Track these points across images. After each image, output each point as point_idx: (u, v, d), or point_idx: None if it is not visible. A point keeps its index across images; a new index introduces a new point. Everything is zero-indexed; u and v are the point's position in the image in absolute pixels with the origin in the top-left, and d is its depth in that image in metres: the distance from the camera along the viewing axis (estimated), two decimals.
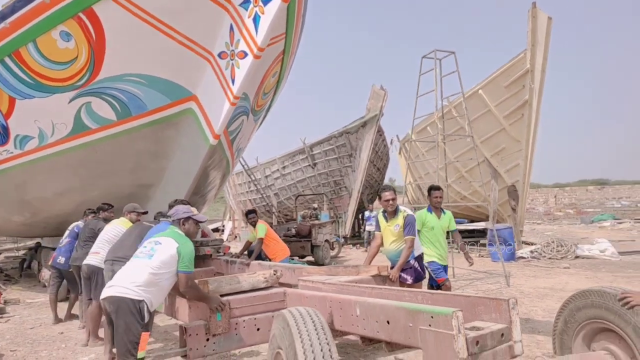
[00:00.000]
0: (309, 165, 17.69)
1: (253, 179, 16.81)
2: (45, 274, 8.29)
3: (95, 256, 5.25)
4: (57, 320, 6.32)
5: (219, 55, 5.57)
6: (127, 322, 2.97)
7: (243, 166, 15.27)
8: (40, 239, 10.47)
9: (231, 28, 5.33)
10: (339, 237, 14.14)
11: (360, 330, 3.04)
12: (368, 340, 3.19)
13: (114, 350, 3.68)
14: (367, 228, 16.37)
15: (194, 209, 3.79)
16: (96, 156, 6.80)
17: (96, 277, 5.15)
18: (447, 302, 2.77)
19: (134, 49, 5.72)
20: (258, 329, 3.58)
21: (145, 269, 3.11)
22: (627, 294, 2.70)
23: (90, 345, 5.06)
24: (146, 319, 3.07)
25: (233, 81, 5.40)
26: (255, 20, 4.93)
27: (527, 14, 11.15)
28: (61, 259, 6.41)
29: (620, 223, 22.03)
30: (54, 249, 8.84)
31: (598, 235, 16.04)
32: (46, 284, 8.25)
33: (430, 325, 2.46)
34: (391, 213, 4.75)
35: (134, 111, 6.27)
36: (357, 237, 19.56)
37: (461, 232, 10.96)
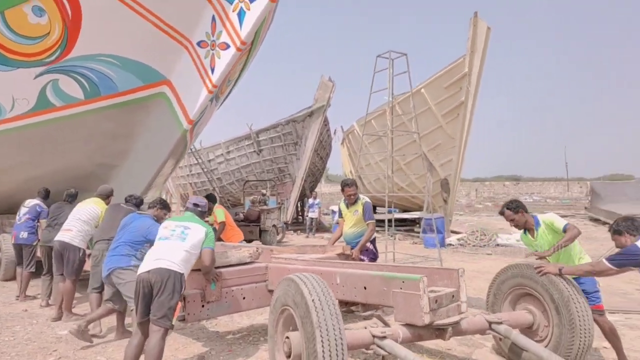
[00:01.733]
0: (254, 151, 17.92)
1: (200, 162, 16.76)
2: None
3: (68, 233, 5.36)
4: (22, 296, 6.31)
5: (198, 44, 5.80)
6: (173, 290, 3.36)
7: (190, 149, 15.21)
8: None
9: (213, 19, 5.58)
10: (283, 223, 14.62)
11: (340, 295, 3.75)
12: (344, 304, 3.92)
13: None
14: (310, 215, 17.03)
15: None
16: (58, 134, 6.73)
17: (67, 253, 5.29)
18: (411, 272, 3.48)
19: (111, 29, 5.78)
20: (244, 298, 4.17)
21: (181, 249, 3.54)
22: (541, 265, 3.62)
23: (64, 320, 5.17)
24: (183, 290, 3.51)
25: (212, 70, 5.67)
26: (240, 15, 5.24)
27: (469, 21, 12.21)
28: (24, 234, 6.46)
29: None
30: None
31: (509, 227, 17.89)
32: None
33: (401, 289, 3.22)
34: (352, 202, 5.37)
35: (104, 91, 6.31)
36: (297, 223, 20.15)
37: (396, 220, 11.91)
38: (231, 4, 5.35)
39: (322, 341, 2.66)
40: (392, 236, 12.62)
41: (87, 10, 5.61)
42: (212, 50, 5.66)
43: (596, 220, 20.54)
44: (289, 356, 2.95)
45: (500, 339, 3.82)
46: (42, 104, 6.41)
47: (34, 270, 6.48)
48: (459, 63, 12.70)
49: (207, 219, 5.16)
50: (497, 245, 12.11)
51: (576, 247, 4.03)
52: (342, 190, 5.46)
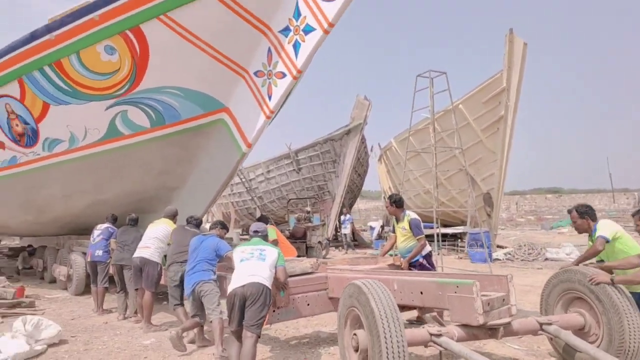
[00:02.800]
0: (294, 170, 18.32)
1: (244, 181, 17.32)
2: (62, 269, 8.78)
3: (147, 250, 5.91)
4: (99, 310, 6.85)
5: (255, 73, 6.21)
6: (264, 303, 3.89)
7: None
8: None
9: (269, 51, 5.98)
10: (326, 239, 14.88)
11: (398, 300, 3.99)
12: (401, 308, 4.10)
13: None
14: (343, 231, 17.16)
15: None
16: (125, 160, 7.28)
17: (147, 268, 5.82)
18: (463, 279, 3.80)
19: (175, 64, 6.28)
20: (308, 304, 4.66)
21: (265, 267, 4.09)
22: (594, 275, 3.85)
23: (144, 330, 5.61)
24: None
25: (270, 97, 6.06)
26: (296, 46, 5.61)
27: (505, 38, 12.32)
28: (99, 252, 7.06)
29: None
30: (57, 250, 9.31)
31: (558, 240, 17.47)
32: (62, 278, 8.70)
33: (456, 292, 3.54)
34: (398, 217, 5.59)
35: (168, 120, 6.82)
36: (335, 240, 20.31)
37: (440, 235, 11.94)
38: (286, 36, 5.74)
39: (385, 338, 3.02)
40: (438, 252, 12.65)
41: (154, 47, 6.12)
42: (269, 79, 6.05)
43: None
44: (357, 350, 3.36)
45: (552, 339, 4.03)
46: (112, 133, 6.99)
47: (107, 285, 7.03)
48: (497, 78, 12.78)
49: None
50: (546, 259, 11.91)
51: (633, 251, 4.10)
52: None
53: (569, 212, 4.60)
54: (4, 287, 7.75)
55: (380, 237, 21.27)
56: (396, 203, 5.66)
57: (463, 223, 15.90)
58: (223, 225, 5.28)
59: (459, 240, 16.36)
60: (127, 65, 6.29)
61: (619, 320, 3.60)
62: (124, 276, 6.47)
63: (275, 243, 7.30)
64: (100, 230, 7.25)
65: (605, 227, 4.25)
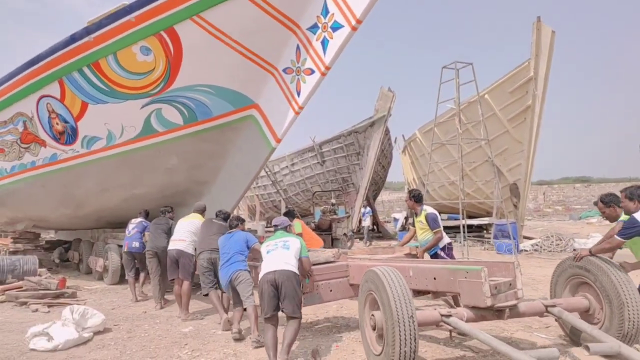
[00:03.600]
0: (318, 162, 18.48)
1: (269, 174, 17.58)
2: (98, 261, 9.24)
3: (182, 243, 6.28)
4: (136, 299, 7.27)
5: (284, 70, 6.37)
6: (296, 287, 4.23)
7: None
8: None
9: (298, 48, 6.12)
10: (351, 231, 15.01)
11: (413, 285, 4.42)
12: (416, 292, 4.62)
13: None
14: (363, 223, 17.27)
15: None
16: (159, 155, 7.55)
17: (183, 259, 6.19)
18: (473, 265, 4.08)
19: (207, 63, 6.48)
20: (331, 290, 5.05)
21: (291, 255, 4.43)
22: (577, 253, 4.33)
23: (183, 319, 5.91)
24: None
25: (299, 93, 6.21)
26: (324, 43, 5.73)
27: (532, 26, 12.12)
28: (135, 244, 7.47)
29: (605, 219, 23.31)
30: (92, 244, 9.78)
31: (587, 230, 17.19)
32: (99, 269, 9.19)
33: (466, 277, 3.88)
34: (416, 212, 5.90)
35: (200, 117, 7.05)
36: (359, 232, 20.43)
37: (463, 226, 11.95)
38: (314, 33, 5.85)
39: (397, 317, 3.37)
40: (463, 244, 12.65)
41: (187, 47, 6.33)
42: (298, 75, 6.20)
43: None
44: (374, 329, 3.72)
45: (556, 320, 4.33)
46: (147, 130, 7.26)
47: (145, 274, 7.39)
48: (524, 67, 12.61)
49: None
50: (574, 250, 11.78)
51: None
52: None
53: (595, 204, 4.71)
54: (46, 278, 8.19)
55: (404, 228, 21.27)
56: (415, 198, 5.93)
57: (489, 214, 15.82)
58: (241, 221, 5.67)
59: (485, 231, 16.29)
60: (161, 65, 6.53)
61: (619, 306, 3.85)
62: (154, 263, 6.84)
63: (300, 236, 7.65)
64: (134, 224, 7.69)
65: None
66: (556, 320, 4.34)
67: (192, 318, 5.95)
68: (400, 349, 3.31)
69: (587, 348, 3.50)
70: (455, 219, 17.90)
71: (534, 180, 18.54)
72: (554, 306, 4.01)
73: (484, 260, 5.04)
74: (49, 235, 14.75)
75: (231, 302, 5.30)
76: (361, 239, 17.82)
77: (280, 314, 4.24)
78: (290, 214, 8.02)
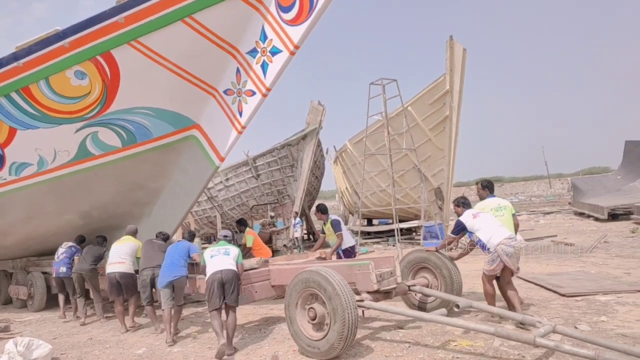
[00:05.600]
0: (253, 176, 18.64)
1: (205, 190, 17.39)
2: (21, 289, 9.23)
3: (122, 265, 6.75)
4: (63, 316, 7.90)
5: (225, 91, 6.59)
6: (237, 284, 5.27)
7: None
8: None
9: (238, 71, 6.38)
10: (290, 242, 15.32)
11: None
12: None
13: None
14: (295, 234, 17.71)
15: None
16: (96, 179, 7.42)
17: (125, 280, 6.69)
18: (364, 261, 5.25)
19: (146, 85, 6.53)
20: (256, 292, 5.88)
21: (231, 259, 5.43)
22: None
23: (129, 326, 6.61)
24: None
25: (240, 113, 6.46)
26: (264, 66, 6.05)
27: (446, 44, 13.30)
28: (62, 269, 7.85)
29: (519, 215, 25.63)
30: (11, 274, 9.71)
31: None
32: (23, 297, 9.15)
33: (359, 270, 5.04)
34: (325, 221, 7.34)
35: (140, 139, 7.06)
36: (310, 240, 20.68)
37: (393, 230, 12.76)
38: (254, 57, 6.15)
39: (345, 304, 4.29)
40: (394, 246, 13.43)
41: (125, 71, 6.35)
42: (239, 97, 6.46)
43: (581, 214, 21.70)
44: (314, 319, 4.52)
45: (406, 295, 5.84)
46: (82, 154, 7.13)
47: (79, 295, 7.69)
48: (440, 81, 13.75)
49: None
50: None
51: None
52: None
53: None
54: None
55: None
56: (321, 211, 7.44)
57: (417, 217, 16.86)
58: (192, 235, 7.08)
59: (415, 233, 17.33)
60: (97, 89, 6.48)
61: (448, 273, 5.71)
62: (83, 283, 7.59)
63: (249, 249, 8.12)
64: (64, 248, 7.98)
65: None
66: (404, 296, 5.93)
67: (142, 336, 5.98)
68: (350, 327, 4.24)
69: (457, 306, 4.82)
70: (387, 224, 18.87)
71: (455, 183, 20.02)
72: (414, 285, 5.58)
73: (373, 257, 7.02)
74: None
75: (160, 299, 6.06)
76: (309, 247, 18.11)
77: None
78: (242, 222, 9.00)
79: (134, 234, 7.34)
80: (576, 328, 4.83)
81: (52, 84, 6.47)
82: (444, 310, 4.88)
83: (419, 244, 14.82)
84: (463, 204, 5.98)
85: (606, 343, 3.80)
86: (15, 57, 6.36)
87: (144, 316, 7.30)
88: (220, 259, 5.37)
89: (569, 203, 26.58)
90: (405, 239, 16.35)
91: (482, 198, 6.09)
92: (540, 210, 27.77)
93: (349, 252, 7.20)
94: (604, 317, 5.23)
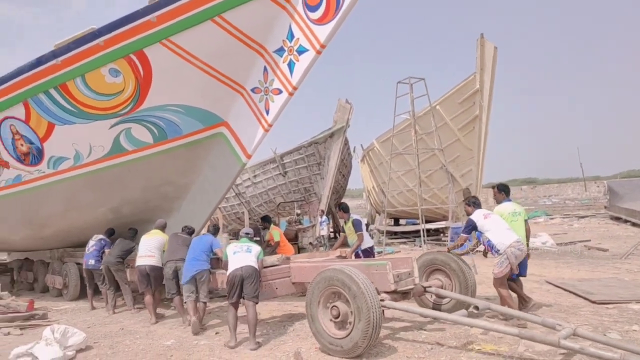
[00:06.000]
0: (280, 173, 18.78)
1: (233, 186, 17.69)
2: (57, 279, 9.66)
3: (152, 258, 6.99)
4: (92, 308, 8.22)
5: (253, 90, 6.70)
6: (256, 280, 5.41)
7: None
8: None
9: (265, 69, 6.47)
10: (316, 239, 15.40)
11: None
12: None
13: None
14: (320, 232, 17.73)
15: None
16: (128, 174, 7.66)
17: (154, 273, 6.92)
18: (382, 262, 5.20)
19: (177, 83, 6.71)
20: (277, 288, 6.01)
21: (252, 257, 5.56)
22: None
23: (153, 322, 6.77)
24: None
25: (267, 111, 6.55)
26: (290, 65, 6.11)
27: (476, 42, 13.07)
28: (91, 261, 8.16)
29: (552, 219, 24.93)
30: (48, 264, 10.11)
31: (534, 230, 18.36)
32: (58, 286, 9.59)
33: (376, 270, 4.96)
34: (346, 220, 7.40)
35: (170, 135, 7.25)
36: (335, 239, 20.69)
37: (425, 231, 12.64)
38: (281, 56, 6.23)
39: (370, 304, 4.30)
40: (420, 246, 13.30)
41: (157, 69, 6.54)
42: (266, 95, 6.55)
43: (617, 218, 20.91)
44: (336, 317, 4.55)
45: (420, 297, 5.91)
46: (116, 149, 7.37)
47: (109, 287, 7.98)
48: (470, 80, 13.52)
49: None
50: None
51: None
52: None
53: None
54: (12, 300, 8.07)
55: None
56: (343, 209, 7.54)
57: (445, 218, 16.64)
58: (216, 229, 7.15)
59: (442, 234, 17.12)
60: (131, 86, 6.70)
61: (463, 275, 5.69)
62: (113, 276, 7.86)
63: (277, 244, 8.26)
64: (94, 241, 8.24)
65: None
66: (419, 298, 5.93)
67: (170, 328, 6.22)
68: (374, 326, 4.27)
69: (477, 308, 4.97)
70: (414, 224, 18.70)
71: (484, 183, 19.63)
72: (430, 287, 5.60)
73: (391, 257, 7.05)
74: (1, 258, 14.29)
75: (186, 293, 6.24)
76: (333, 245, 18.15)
77: None
78: (266, 219, 9.07)
79: (162, 228, 7.53)
80: (605, 336, 4.69)
81: (88, 81, 6.73)
82: (464, 312, 4.83)
83: (445, 244, 14.63)
84: (474, 203, 6.01)
85: (631, 347, 3.69)
86: (54, 54, 6.65)
87: (172, 308, 7.50)
88: (242, 255, 5.51)
89: (605, 207, 25.65)
90: (432, 240, 16.17)
91: (498, 202, 6.17)
92: (575, 214, 26.91)
93: (368, 253, 7.26)
94: (635, 327, 5.06)
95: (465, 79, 13.71)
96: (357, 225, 7.17)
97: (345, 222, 7.41)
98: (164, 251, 7.14)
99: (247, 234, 6.07)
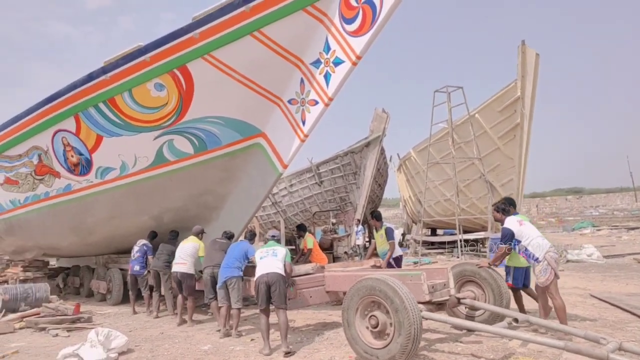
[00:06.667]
0: (316, 183, 18.89)
1: (269, 195, 17.94)
2: (101, 284, 10.11)
3: (184, 265, 7.27)
4: (134, 312, 8.54)
5: (289, 101, 6.84)
6: (283, 286, 5.44)
7: None
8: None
9: (302, 81, 6.59)
10: (351, 249, 15.37)
11: None
12: None
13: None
14: (356, 242, 17.62)
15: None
16: (170, 183, 7.95)
17: (185, 280, 7.21)
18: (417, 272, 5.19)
19: (217, 96, 6.94)
20: (311, 296, 6.08)
21: (278, 261, 5.61)
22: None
23: (188, 325, 7.14)
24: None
25: (304, 122, 6.67)
26: (327, 77, 6.21)
27: (517, 49, 12.81)
28: (137, 267, 8.47)
29: (599, 230, 23.85)
30: (93, 269, 10.63)
31: (580, 242, 17.65)
32: (102, 291, 10.05)
33: (411, 280, 4.93)
34: (377, 228, 7.53)
35: (210, 146, 7.48)
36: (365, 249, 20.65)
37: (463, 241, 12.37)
38: (317, 68, 6.34)
39: (412, 316, 4.27)
40: (458, 257, 13.05)
41: (198, 83, 6.79)
42: (302, 106, 6.67)
43: None
44: (375, 327, 4.53)
45: (452, 309, 5.63)
46: (159, 160, 7.68)
47: (149, 292, 8.39)
48: (511, 87, 13.25)
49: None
50: (568, 261, 12.22)
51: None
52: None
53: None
54: (61, 304, 8.49)
55: (401, 245, 21.60)
56: (376, 217, 7.60)
57: (484, 228, 16.25)
58: (252, 235, 7.16)
59: (481, 245, 16.70)
60: (174, 99, 6.98)
61: (497, 287, 5.52)
62: (159, 280, 8.10)
63: (309, 252, 8.34)
64: (138, 247, 8.55)
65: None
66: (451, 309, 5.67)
67: (208, 333, 6.46)
68: (414, 340, 4.26)
69: (516, 320, 4.79)
70: (451, 234, 18.35)
71: (526, 193, 19.07)
72: (464, 298, 5.42)
73: (426, 268, 6.99)
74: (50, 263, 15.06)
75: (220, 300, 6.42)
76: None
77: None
78: (301, 228, 9.20)
79: (197, 234, 7.69)
80: None
81: (134, 95, 7.07)
82: (504, 324, 4.71)
83: (484, 256, 14.27)
84: (503, 210, 5.81)
85: None
86: (103, 70, 7.03)
87: (209, 314, 7.70)
88: (268, 260, 5.60)
89: None
90: (470, 251, 15.82)
91: (501, 221, 5.95)
92: (624, 225, 25.63)
93: (398, 261, 7.38)
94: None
95: (506, 86, 13.45)
96: (389, 233, 7.26)
97: (376, 230, 7.50)
98: (200, 257, 7.36)
99: (273, 236, 6.20)
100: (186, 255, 7.32)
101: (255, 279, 5.56)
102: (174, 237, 8.41)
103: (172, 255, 7.95)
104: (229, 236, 7.31)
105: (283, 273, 5.52)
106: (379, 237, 7.40)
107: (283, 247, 5.94)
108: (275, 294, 5.35)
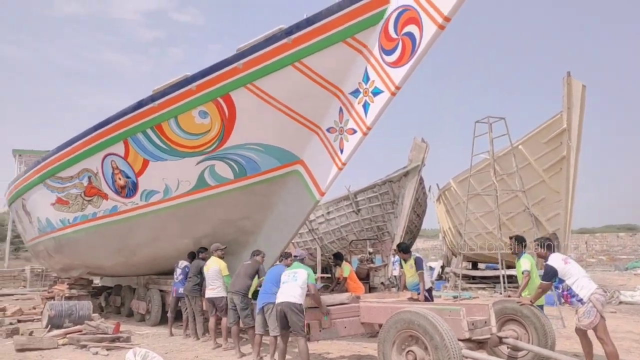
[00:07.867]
0: (353, 211, 18.79)
1: (307, 222, 17.98)
2: (141, 304, 10.27)
3: (213, 290, 7.47)
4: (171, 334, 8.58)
5: (328, 130, 6.93)
6: (297, 314, 5.47)
7: None
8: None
9: (340, 110, 6.69)
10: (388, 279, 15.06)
11: None
12: None
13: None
14: (393, 273, 17.20)
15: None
16: (210, 207, 8.15)
17: (217, 303, 7.46)
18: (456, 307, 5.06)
19: (257, 124, 7.14)
20: (345, 327, 5.99)
21: (297, 286, 5.63)
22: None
23: (223, 347, 7.22)
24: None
25: (341, 151, 6.72)
26: (365, 106, 6.27)
27: (562, 80, 12.50)
28: (180, 289, 8.52)
29: None
30: (134, 290, 10.85)
31: (634, 282, 16.56)
32: (142, 312, 10.21)
33: (449, 316, 4.75)
34: (406, 260, 7.50)
35: (249, 172, 7.65)
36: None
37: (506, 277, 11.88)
38: (356, 97, 6.42)
39: (452, 354, 4.18)
40: (500, 293, 12.51)
41: (240, 111, 7.02)
42: (341, 134, 6.73)
43: None
44: None
45: (494, 347, 5.45)
46: (201, 184, 7.91)
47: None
48: (557, 119, 12.87)
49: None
50: (621, 302, 11.47)
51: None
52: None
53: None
54: (102, 322, 8.73)
55: (441, 277, 20.98)
56: (403, 250, 7.59)
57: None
58: (287, 256, 6.83)
59: None
60: (217, 126, 7.23)
61: (541, 327, 5.35)
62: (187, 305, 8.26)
63: (344, 280, 8.27)
64: (180, 268, 8.65)
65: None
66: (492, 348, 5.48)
67: (240, 358, 6.55)
68: None
69: None
70: (494, 269, 17.66)
71: (575, 229, 18.21)
72: (506, 337, 5.31)
73: (465, 303, 6.97)
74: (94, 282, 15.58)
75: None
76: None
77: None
78: (338, 257, 9.33)
79: (215, 251, 7.81)
80: None
81: (180, 122, 7.39)
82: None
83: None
84: (547, 246, 5.64)
85: None
86: (152, 98, 7.40)
87: (245, 340, 7.67)
88: (287, 287, 5.68)
89: None
90: (513, 287, 15.11)
91: (541, 257, 5.77)
92: None
93: (428, 292, 7.35)
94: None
95: (551, 118, 13.08)
96: (418, 263, 7.28)
97: (405, 261, 7.51)
98: (224, 277, 7.48)
99: (296, 256, 6.26)
100: (211, 280, 7.50)
101: (276, 303, 5.71)
102: (203, 252, 8.46)
103: (199, 274, 8.04)
104: (255, 254, 7.32)
105: (299, 300, 5.54)
106: (409, 267, 7.41)
107: (305, 268, 5.94)
108: (292, 323, 5.47)
